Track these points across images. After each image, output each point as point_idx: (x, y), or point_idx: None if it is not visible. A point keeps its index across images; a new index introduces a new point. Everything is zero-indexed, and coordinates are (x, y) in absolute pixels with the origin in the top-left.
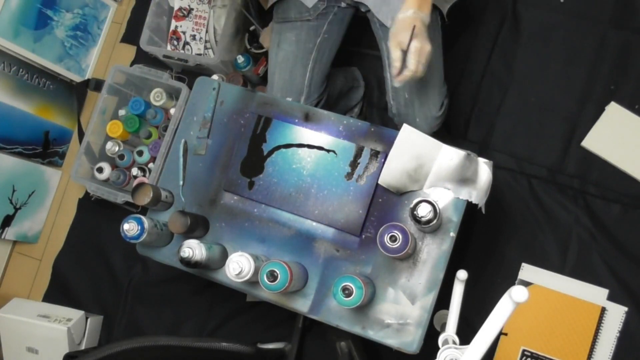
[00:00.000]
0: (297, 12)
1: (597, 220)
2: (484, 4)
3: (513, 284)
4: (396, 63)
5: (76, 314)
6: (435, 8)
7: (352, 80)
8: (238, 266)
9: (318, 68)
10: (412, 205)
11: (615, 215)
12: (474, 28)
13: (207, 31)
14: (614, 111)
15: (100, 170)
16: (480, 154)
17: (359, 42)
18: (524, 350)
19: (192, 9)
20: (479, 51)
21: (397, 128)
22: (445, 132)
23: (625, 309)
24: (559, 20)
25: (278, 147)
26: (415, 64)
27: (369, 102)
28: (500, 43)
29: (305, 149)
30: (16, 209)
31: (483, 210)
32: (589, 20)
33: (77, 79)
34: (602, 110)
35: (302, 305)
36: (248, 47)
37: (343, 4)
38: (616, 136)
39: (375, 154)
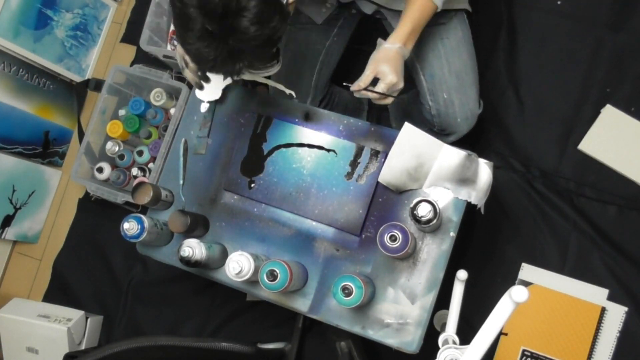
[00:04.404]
0: (307, 17)
1: (594, 222)
2: (479, 8)
3: (513, 284)
4: (362, 84)
5: (76, 314)
6: (458, 10)
7: (358, 101)
8: (238, 265)
9: (325, 70)
10: (412, 205)
11: (612, 217)
12: (472, 31)
13: None
14: (610, 114)
15: (100, 170)
16: (479, 155)
17: (366, 40)
18: (524, 350)
19: None
20: (476, 54)
21: (433, 131)
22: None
23: (625, 309)
24: (555, 22)
25: (278, 147)
26: (382, 97)
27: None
28: (497, 46)
29: (306, 149)
30: (16, 209)
31: (482, 211)
32: (585, 22)
33: (77, 79)
34: (598, 112)
35: (302, 304)
36: None
37: (354, 11)
38: (612, 139)
39: (375, 154)
